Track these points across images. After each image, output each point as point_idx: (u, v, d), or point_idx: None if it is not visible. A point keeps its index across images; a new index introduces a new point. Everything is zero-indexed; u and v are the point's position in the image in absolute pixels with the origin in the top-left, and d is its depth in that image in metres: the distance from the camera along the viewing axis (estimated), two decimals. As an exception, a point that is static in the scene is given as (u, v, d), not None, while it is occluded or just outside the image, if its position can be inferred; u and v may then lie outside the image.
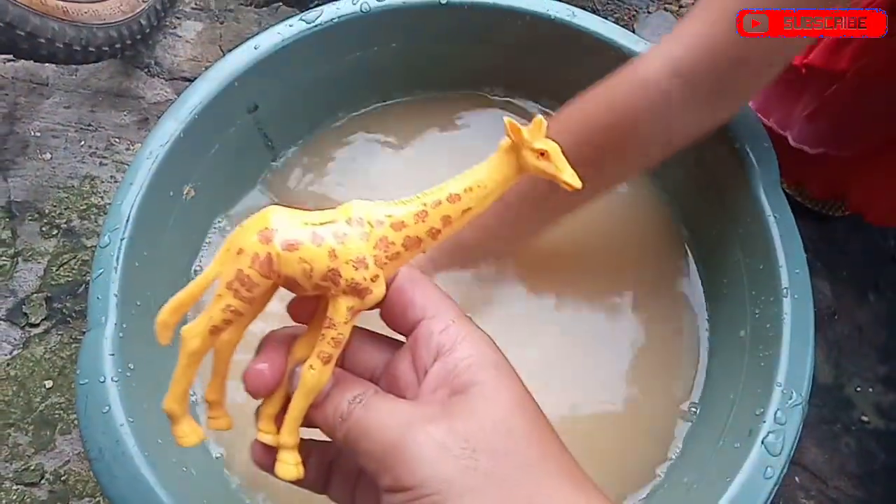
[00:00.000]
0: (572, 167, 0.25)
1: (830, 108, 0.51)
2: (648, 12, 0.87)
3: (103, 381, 0.42)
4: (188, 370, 0.25)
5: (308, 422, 0.26)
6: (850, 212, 0.64)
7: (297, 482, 0.27)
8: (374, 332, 0.29)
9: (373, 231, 0.24)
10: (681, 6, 0.88)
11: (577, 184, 0.24)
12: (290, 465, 0.26)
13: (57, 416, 0.62)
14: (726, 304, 0.53)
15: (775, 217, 0.47)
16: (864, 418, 0.66)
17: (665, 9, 0.88)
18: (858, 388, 0.67)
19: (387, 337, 0.28)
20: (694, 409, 0.52)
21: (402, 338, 0.27)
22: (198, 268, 0.56)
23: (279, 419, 0.26)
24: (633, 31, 0.84)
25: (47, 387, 0.63)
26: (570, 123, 0.45)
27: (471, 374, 0.24)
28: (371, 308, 0.25)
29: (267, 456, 0.27)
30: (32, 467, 0.60)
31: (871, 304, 0.70)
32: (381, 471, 0.23)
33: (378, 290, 0.24)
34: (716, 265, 0.55)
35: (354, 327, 0.25)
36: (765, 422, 0.42)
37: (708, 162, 0.53)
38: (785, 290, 0.46)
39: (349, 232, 0.24)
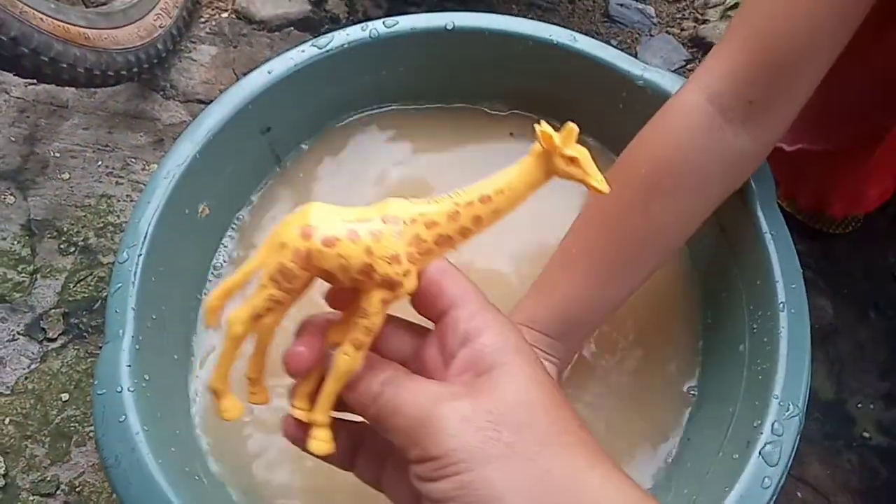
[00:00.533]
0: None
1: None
2: (651, 35, 0.90)
3: (120, 391, 0.44)
4: (232, 352, 0.27)
5: (341, 404, 0.28)
6: (835, 216, 0.64)
7: (327, 458, 0.28)
8: (404, 320, 0.30)
9: (407, 229, 0.26)
10: (682, 29, 0.90)
11: (605, 188, 0.26)
12: (322, 441, 0.27)
13: (72, 428, 0.64)
14: (725, 320, 0.54)
15: (772, 234, 0.49)
16: (866, 435, 0.67)
17: (667, 32, 0.90)
18: (860, 405, 0.68)
19: (416, 324, 0.30)
20: (694, 423, 0.53)
21: (430, 324, 0.29)
22: (211, 280, 0.58)
23: (313, 398, 0.28)
24: (636, 54, 0.86)
25: (63, 400, 0.65)
26: (624, 164, 0.47)
27: (494, 358, 0.26)
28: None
29: (298, 431, 0.28)
30: (48, 478, 0.62)
31: (872, 322, 0.71)
32: (409, 444, 0.25)
33: (410, 284, 0.26)
34: (714, 281, 0.56)
35: (387, 315, 0.27)
36: (762, 433, 0.43)
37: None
38: (781, 305, 0.47)
39: (384, 230, 0.25)
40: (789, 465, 0.43)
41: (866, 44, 0.44)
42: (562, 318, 0.47)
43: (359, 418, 0.28)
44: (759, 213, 0.49)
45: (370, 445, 0.30)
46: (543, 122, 0.26)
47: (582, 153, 0.26)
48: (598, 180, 0.26)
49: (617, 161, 0.48)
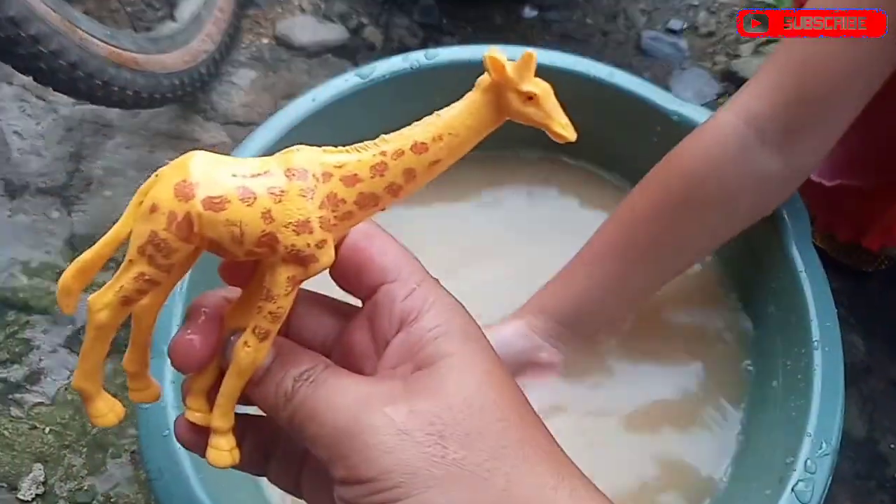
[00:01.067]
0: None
1: (844, 134, 0.53)
2: (682, 68, 0.91)
3: (164, 407, 0.45)
4: (97, 344, 0.22)
5: (245, 400, 0.23)
6: (871, 248, 0.65)
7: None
8: (323, 296, 0.25)
9: (319, 186, 0.20)
10: (714, 64, 0.91)
11: (571, 135, 0.20)
12: (223, 450, 0.22)
13: (109, 440, 0.65)
14: (759, 356, 0.54)
15: (807, 272, 0.49)
16: (899, 475, 0.66)
17: (699, 65, 0.91)
18: (893, 445, 0.67)
19: (339, 302, 0.25)
20: (730, 457, 0.53)
21: (357, 301, 0.24)
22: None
23: (211, 395, 0.23)
24: (668, 87, 0.87)
25: (101, 412, 0.67)
26: (656, 174, 0.49)
27: (438, 346, 0.21)
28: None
29: (194, 436, 0.23)
30: (85, 488, 0.63)
31: (905, 360, 0.71)
32: (333, 460, 0.20)
33: (325, 258, 0.21)
34: (749, 317, 0.56)
35: (300, 290, 0.22)
36: (795, 470, 0.43)
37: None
38: (816, 343, 0.47)
39: (289, 187, 0.20)
40: (822, 503, 0.43)
41: None
42: (574, 309, 0.49)
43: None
44: (794, 251, 0.50)
45: (284, 446, 0.25)
46: (494, 48, 0.20)
47: (543, 89, 0.20)
48: (561, 125, 0.20)
49: (650, 171, 0.49)
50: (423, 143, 0.21)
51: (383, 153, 0.21)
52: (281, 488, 0.26)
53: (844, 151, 0.47)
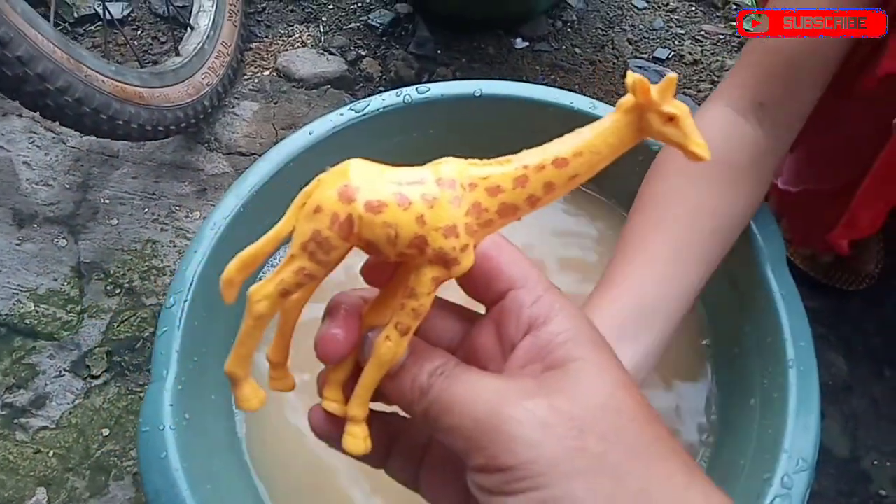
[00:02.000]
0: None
1: (805, 140, 0.56)
2: (669, 96, 0.94)
3: (162, 429, 0.47)
4: (254, 333, 0.23)
5: (379, 395, 0.24)
6: (840, 243, 0.67)
7: (360, 456, 0.25)
8: (448, 301, 0.26)
9: (465, 195, 0.22)
10: (699, 91, 0.94)
11: (706, 154, 0.21)
12: (358, 438, 0.24)
13: (112, 462, 0.67)
14: (737, 374, 0.56)
15: (781, 294, 0.51)
16: (882, 492, 0.67)
17: (684, 93, 0.94)
18: (875, 462, 0.68)
19: (463, 307, 0.26)
20: (707, 474, 0.55)
21: (479, 307, 0.26)
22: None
23: (345, 388, 0.25)
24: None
25: (104, 435, 0.69)
26: (663, 158, 0.51)
27: (567, 350, 0.22)
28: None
29: (329, 425, 0.25)
30: (87, 510, 0.65)
31: (887, 378, 0.72)
32: (471, 450, 0.21)
33: (466, 261, 0.22)
34: (726, 337, 0.58)
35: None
36: (772, 486, 0.45)
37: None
38: (790, 362, 0.49)
39: (439, 195, 0.21)
40: (798, 519, 0.44)
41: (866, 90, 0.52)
42: (632, 308, 0.44)
43: (392, 408, 0.25)
44: (770, 273, 0.52)
45: (406, 441, 0.27)
46: (632, 71, 0.22)
47: (682, 110, 0.21)
48: (698, 144, 0.21)
49: (655, 160, 0.52)
50: (564, 158, 0.22)
51: (525, 166, 0.22)
52: (398, 481, 0.27)
53: (806, 157, 0.50)
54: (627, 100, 0.22)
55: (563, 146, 0.22)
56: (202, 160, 0.89)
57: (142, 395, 0.70)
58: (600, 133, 0.22)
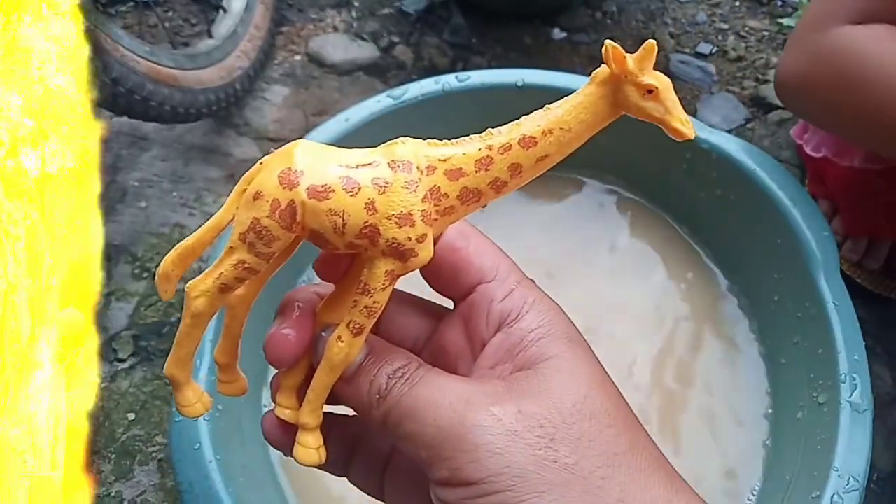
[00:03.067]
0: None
1: None
2: (711, 93, 0.91)
3: (196, 421, 0.46)
4: (192, 332, 0.22)
5: (336, 398, 0.22)
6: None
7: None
8: (413, 296, 0.25)
9: (423, 179, 0.20)
10: (743, 89, 0.91)
11: (690, 132, 0.20)
12: (310, 448, 0.22)
13: (136, 447, 0.67)
14: (784, 386, 0.54)
15: (835, 304, 0.49)
16: (926, 510, 0.65)
17: (728, 90, 0.91)
18: (919, 478, 0.66)
19: (429, 302, 0.25)
20: (753, 490, 0.53)
21: (447, 303, 0.24)
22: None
23: (301, 392, 0.23)
24: (696, 111, 0.87)
25: (130, 419, 0.68)
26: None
27: (541, 348, 0.21)
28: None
29: (282, 434, 0.23)
30: (112, 494, 0.64)
31: (934, 393, 0.70)
32: (434, 460, 0.19)
33: (424, 253, 0.20)
34: (776, 348, 0.56)
35: (392, 290, 0.21)
36: (821, 505, 0.43)
37: (770, 248, 0.55)
38: (843, 376, 0.47)
39: (393, 179, 0.19)
40: (849, 539, 0.43)
41: None
42: None
43: (352, 411, 0.23)
44: (823, 282, 0.50)
45: (367, 447, 0.25)
46: (608, 41, 0.20)
47: (663, 83, 0.20)
48: (681, 121, 0.19)
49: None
50: (531, 137, 0.20)
51: (489, 147, 0.20)
52: (362, 490, 0.25)
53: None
54: (602, 71, 0.20)
55: (530, 124, 0.20)
56: (231, 144, 0.88)
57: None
58: (572, 108, 0.20)
